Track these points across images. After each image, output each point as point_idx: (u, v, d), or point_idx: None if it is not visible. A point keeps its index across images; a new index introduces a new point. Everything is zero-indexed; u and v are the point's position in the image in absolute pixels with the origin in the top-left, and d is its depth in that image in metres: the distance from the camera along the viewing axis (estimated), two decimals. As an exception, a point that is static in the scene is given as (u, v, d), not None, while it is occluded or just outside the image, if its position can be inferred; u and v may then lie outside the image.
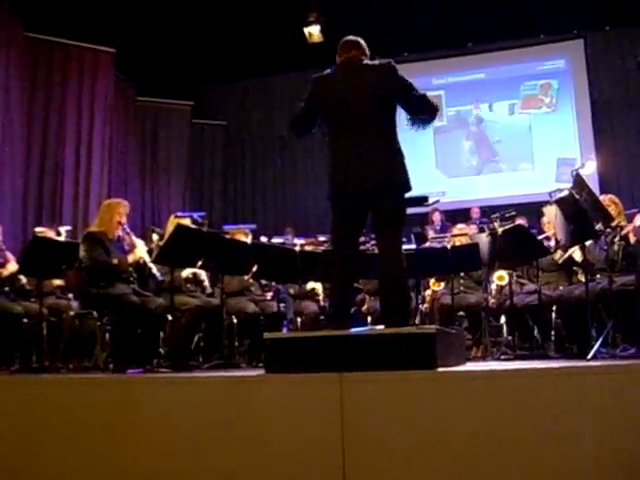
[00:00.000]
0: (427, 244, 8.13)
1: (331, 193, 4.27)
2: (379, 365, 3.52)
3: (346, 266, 4.21)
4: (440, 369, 3.53)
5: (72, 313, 6.38)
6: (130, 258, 5.84)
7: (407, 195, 4.26)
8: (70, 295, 6.88)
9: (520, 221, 7.70)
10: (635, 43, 12.08)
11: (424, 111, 4.35)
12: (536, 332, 6.47)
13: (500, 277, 6.77)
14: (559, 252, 6.37)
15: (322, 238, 7.83)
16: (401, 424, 3.32)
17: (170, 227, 6.13)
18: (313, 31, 11.21)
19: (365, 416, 3.37)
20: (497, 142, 12.58)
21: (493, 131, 12.61)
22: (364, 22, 9.90)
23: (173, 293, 5.67)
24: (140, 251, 5.93)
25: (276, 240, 8.40)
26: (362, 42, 4.47)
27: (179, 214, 6.67)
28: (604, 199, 5.94)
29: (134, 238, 5.99)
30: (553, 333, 6.22)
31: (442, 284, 7.31)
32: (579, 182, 5.17)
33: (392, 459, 3.30)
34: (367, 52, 4.47)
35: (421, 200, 4.52)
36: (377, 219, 4.22)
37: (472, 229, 8.18)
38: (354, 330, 3.97)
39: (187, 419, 3.64)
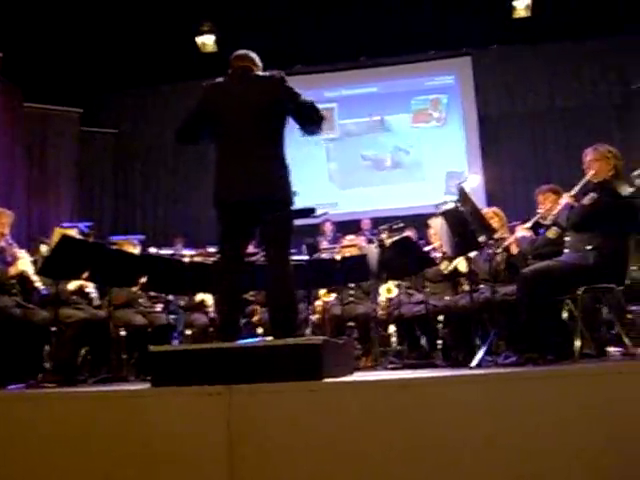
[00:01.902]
0: (319, 255, 8.18)
1: (214, 202, 4.25)
2: (267, 377, 3.50)
3: (233, 277, 4.19)
4: (326, 380, 3.55)
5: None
6: (12, 270, 5.66)
7: (295, 207, 4.29)
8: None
9: (409, 233, 7.85)
10: (520, 61, 12.53)
11: (312, 119, 4.34)
12: (424, 341, 6.61)
13: (388, 289, 6.88)
14: (445, 263, 6.53)
15: (212, 249, 7.77)
16: (288, 435, 3.32)
17: (55, 238, 5.98)
18: (207, 41, 11.17)
19: (253, 428, 3.35)
20: (389, 155, 12.77)
21: (384, 145, 12.80)
22: (258, 33, 9.92)
23: (58, 305, 5.53)
24: (23, 263, 5.75)
25: (165, 251, 8.29)
26: (254, 56, 4.49)
27: (65, 224, 6.53)
28: (488, 211, 6.14)
29: (17, 250, 5.81)
30: (440, 342, 6.37)
31: (332, 295, 7.38)
32: (463, 195, 5.32)
33: (280, 470, 3.29)
34: (259, 64, 4.49)
35: (308, 212, 4.54)
36: (264, 231, 4.23)
37: (362, 240, 8.29)
38: (242, 342, 3.96)
39: (72, 435, 3.53)
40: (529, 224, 5.77)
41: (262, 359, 3.63)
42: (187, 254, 7.23)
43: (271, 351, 3.67)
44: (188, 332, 7.15)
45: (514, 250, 5.75)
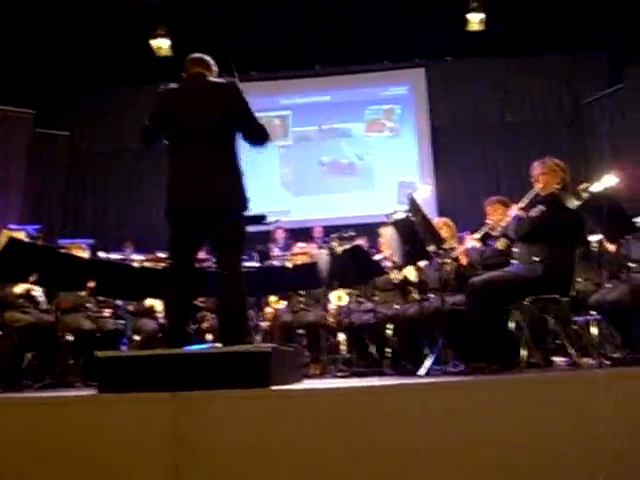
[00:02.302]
0: (270, 262, 8.18)
1: (167, 209, 4.23)
2: (214, 384, 3.48)
3: (183, 283, 4.18)
4: (274, 387, 3.55)
5: None
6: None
7: (246, 213, 4.29)
8: None
9: (360, 241, 7.88)
10: (473, 74, 12.69)
11: (257, 139, 4.38)
12: (373, 349, 6.64)
13: (339, 297, 6.90)
14: (395, 272, 6.57)
15: (162, 254, 7.70)
16: (235, 443, 3.31)
17: (3, 240, 5.88)
18: (162, 45, 11.10)
19: (199, 436, 3.33)
20: (342, 163, 12.82)
21: (338, 152, 12.85)
22: (214, 38, 9.88)
23: (4, 309, 5.44)
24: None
25: (115, 255, 8.19)
26: (209, 60, 4.50)
27: (12, 227, 6.42)
28: (438, 222, 6.20)
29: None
30: (389, 350, 6.40)
31: (283, 302, 7.37)
32: (413, 205, 5.37)
33: (226, 477, 3.28)
34: (214, 69, 4.50)
35: (259, 219, 4.55)
36: (216, 237, 4.22)
37: (314, 248, 8.30)
38: (189, 348, 3.94)
39: (15, 442, 3.47)
40: (478, 235, 5.85)
41: (210, 366, 3.62)
42: (137, 259, 7.16)
43: (219, 358, 3.66)
44: (136, 338, 7.07)
45: (463, 261, 5.82)
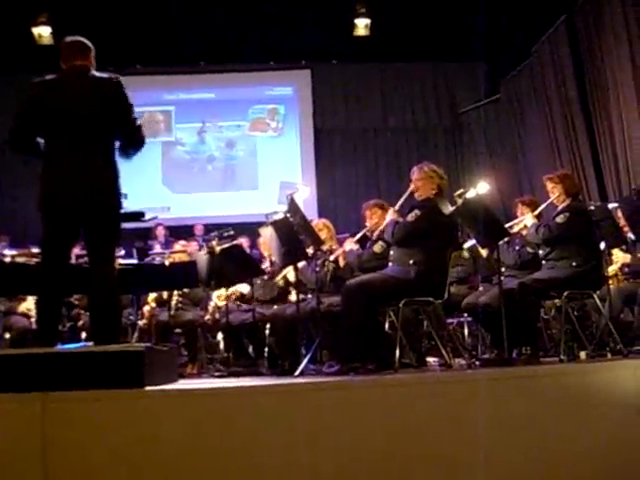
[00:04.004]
0: (150, 259, 8.05)
1: (40, 203, 4.10)
2: (86, 384, 3.39)
3: (55, 280, 4.06)
4: (148, 387, 3.50)
5: None
6: None
7: (123, 210, 4.21)
8: None
9: (242, 240, 7.88)
10: (357, 78, 12.90)
11: (133, 141, 4.27)
12: (251, 349, 6.64)
13: (219, 296, 6.88)
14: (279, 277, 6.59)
15: (36, 249, 7.45)
16: (106, 445, 3.25)
17: None
18: (43, 33, 10.75)
19: (69, 437, 3.24)
20: (224, 161, 12.77)
21: (220, 151, 12.79)
22: (98, 29, 9.64)
23: None
24: None
25: (-15, 251, 7.86)
26: (89, 46, 4.31)
27: None
28: (318, 223, 6.26)
29: None
30: (266, 350, 6.42)
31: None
32: (293, 205, 5.40)
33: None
34: (92, 55, 4.33)
35: (137, 215, 4.46)
36: (89, 234, 4.12)
37: (193, 246, 8.24)
38: (61, 347, 3.84)
39: None
40: (356, 238, 5.94)
41: (82, 365, 3.52)
42: (8, 254, 6.89)
43: (91, 357, 3.56)
44: (7, 336, 6.83)
45: (342, 263, 5.89)
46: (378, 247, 5.62)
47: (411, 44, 11.80)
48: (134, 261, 7.59)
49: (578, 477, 3.55)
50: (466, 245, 6.37)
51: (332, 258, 5.91)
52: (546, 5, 10.10)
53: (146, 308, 7.39)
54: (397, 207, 5.26)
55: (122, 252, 6.91)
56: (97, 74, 4.27)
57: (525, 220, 5.64)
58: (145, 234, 10.58)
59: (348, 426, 3.36)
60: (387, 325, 5.26)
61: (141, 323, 7.23)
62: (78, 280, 4.98)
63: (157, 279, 6.54)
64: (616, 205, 5.97)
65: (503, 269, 5.72)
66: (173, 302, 7.01)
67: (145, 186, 11.57)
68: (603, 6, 9.19)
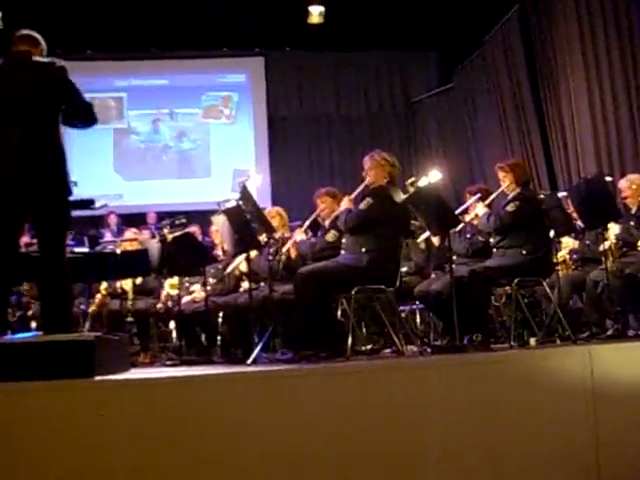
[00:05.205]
0: (102, 247, 7.96)
1: None
2: (36, 374, 3.35)
3: (2, 269, 4.00)
4: (98, 377, 3.46)
5: None
6: None
7: (73, 197, 4.15)
8: None
9: (194, 228, 7.82)
10: (311, 66, 12.91)
11: (83, 119, 4.27)
12: (203, 338, 6.62)
13: (172, 285, 6.84)
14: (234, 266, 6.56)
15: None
16: (55, 436, 3.20)
17: None
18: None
19: (16, 429, 3.20)
20: (177, 149, 12.68)
21: (173, 138, 12.69)
22: (47, 14, 9.49)
23: None
24: None
25: None
26: (37, 37, 4.29)
27: None
28: (270, 211, 6.26)
29: None
30: (219, 338, 6.40)
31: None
32: (245, 193, 5.38)
33: (47, 473, 3.17)
34: (42, 48, 4.29)
35: (87, 203, 4.41)
36: (38, 222, 4.07)
37: (145, 234, 8.17)
38: (10, 337, 3.79)
39: None
40: (305, 226, 5.95)
41: (31, 356, 3.47)
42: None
43: (40, 347, 3.52)
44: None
45: (293, 254, 5.89)
46: (331, 236, 5.63)
47: (365, 32, 11.83)
48: (85, 249, 7.50)
49: (527, 460, 3.61)
50: (420, 238, 6.38)
51: (284, 250, 5.90)
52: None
53: (98, 297, 7.31)
54: (353, 196, 5.26)
55: (71, 241, 6.82)
56: (40, 59, 4.22)
57: (477, 209, 5.69)
58: (97, 222, 10.46)
59: (300, 414, 3.37)
60: (339, 313, 5.27)
61: (92, 312, 7.15)
62: (27, 268, 4.91)
63: (108, 267, 6.48)
64: (565, 194, 6.04)
65: (455, 257, 5.78)
66: (129, 289, 6.95)
67: (96, 173, 11.46)
68: (556, -4, 9.31)
